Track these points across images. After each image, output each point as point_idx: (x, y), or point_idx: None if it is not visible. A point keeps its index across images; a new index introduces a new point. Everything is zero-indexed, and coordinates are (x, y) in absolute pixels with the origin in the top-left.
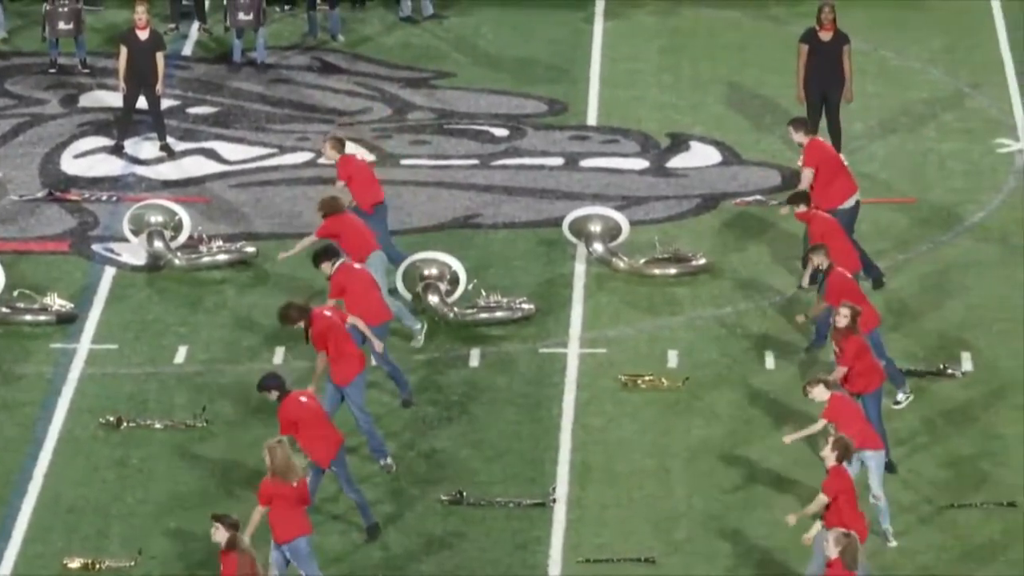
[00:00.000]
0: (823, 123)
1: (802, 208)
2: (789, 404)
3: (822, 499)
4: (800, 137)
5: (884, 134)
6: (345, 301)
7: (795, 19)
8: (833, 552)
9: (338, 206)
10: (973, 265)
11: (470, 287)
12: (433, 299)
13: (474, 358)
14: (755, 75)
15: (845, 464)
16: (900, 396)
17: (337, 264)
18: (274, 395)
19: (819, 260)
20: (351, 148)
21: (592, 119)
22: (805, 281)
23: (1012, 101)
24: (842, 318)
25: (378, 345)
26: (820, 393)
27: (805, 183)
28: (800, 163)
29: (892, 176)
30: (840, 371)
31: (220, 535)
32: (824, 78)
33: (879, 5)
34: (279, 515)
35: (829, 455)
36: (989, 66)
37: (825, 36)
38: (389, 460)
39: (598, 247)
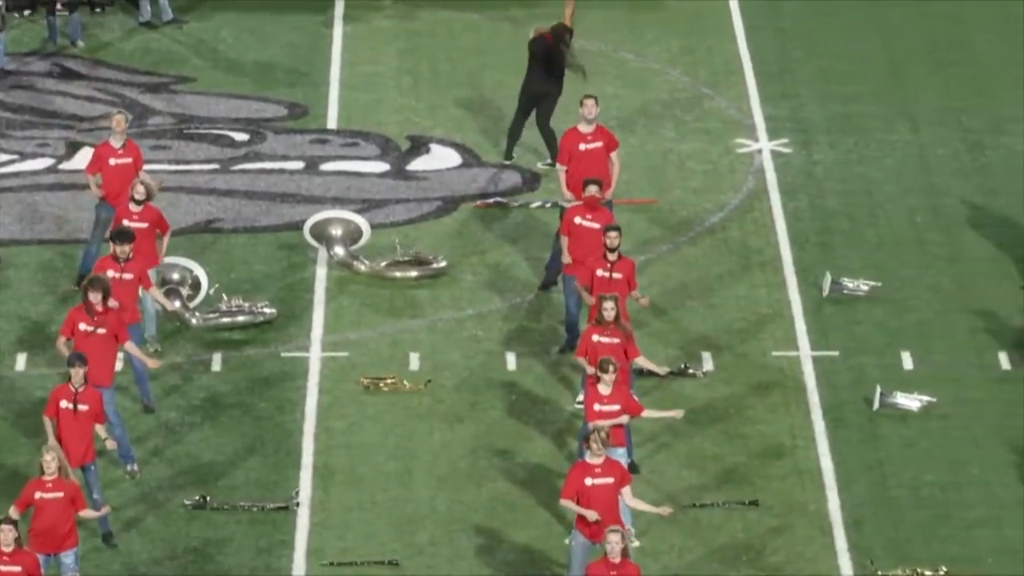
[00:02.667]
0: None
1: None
2: (531, 405)
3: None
4: (597, 111)
5: (624, 135)
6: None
7: (533, 21)
8: (618, 554)
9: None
10: (713, 265)
11: (211, 292)
12: (175, 304)
13: (216, 363)
14: (494, 77)
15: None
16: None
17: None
18: (81, 372)
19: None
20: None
21: (332, 122)
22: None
23: (751, 102)
24: (610, 311)
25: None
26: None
27: (617, 168)
28: (592, 143)
29: (632, 177)
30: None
31: (10, 536)
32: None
33: (617, 7)
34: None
35: (601, 447)
36: (728, 67)
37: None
38: (135, 466)
39: (339, 250)
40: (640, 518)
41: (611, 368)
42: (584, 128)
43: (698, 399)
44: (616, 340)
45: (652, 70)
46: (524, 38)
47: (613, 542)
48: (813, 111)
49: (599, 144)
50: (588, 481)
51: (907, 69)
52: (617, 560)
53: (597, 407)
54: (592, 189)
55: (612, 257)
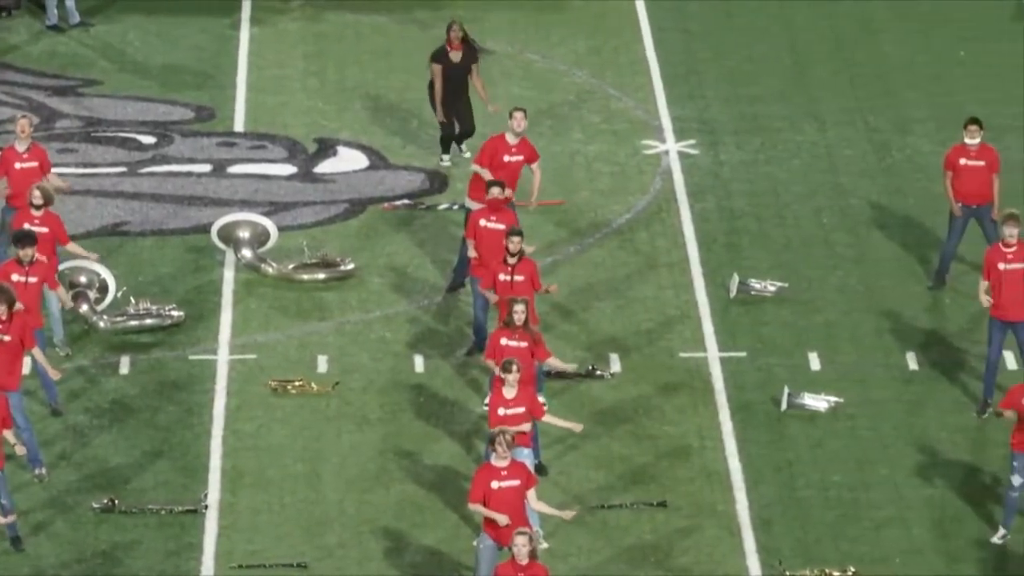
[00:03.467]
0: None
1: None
2: (439, 407)
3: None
4: (525, 125)
5: (531, 137)
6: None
7: (440, 23)
8: (525, 556)
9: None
10: (620, 266)
11: (119, 295)
12: (83, 307)
13: (124, 366)
14: (401, 79)
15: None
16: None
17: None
18: None
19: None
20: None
21: (239, 125)
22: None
23: (657, 102)
24: (519, 314)
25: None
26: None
27: (538, 177)
28: (515, 156)
29: (540, 178)
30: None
31: None
32: (457, 97)
33: (522, 7)
34: None
35: (506, 450)
36: (634, 68)
37: (455, 56)
38: (43, 469)
39: (247, 253)
40: (548, 520)
41: (514, 368)
42: (511, 139)
43: (606, 400)
44: (524, 344)
45: (558, 71)
46: (430, 40)
47: (520, 544)
48: (720, 112)
49: (520, 158)
50: (494, 484)
51: (813, 69)
52: (525, 562)
53: (501, 411)
54: (495, 191)
55: (512, 261)
